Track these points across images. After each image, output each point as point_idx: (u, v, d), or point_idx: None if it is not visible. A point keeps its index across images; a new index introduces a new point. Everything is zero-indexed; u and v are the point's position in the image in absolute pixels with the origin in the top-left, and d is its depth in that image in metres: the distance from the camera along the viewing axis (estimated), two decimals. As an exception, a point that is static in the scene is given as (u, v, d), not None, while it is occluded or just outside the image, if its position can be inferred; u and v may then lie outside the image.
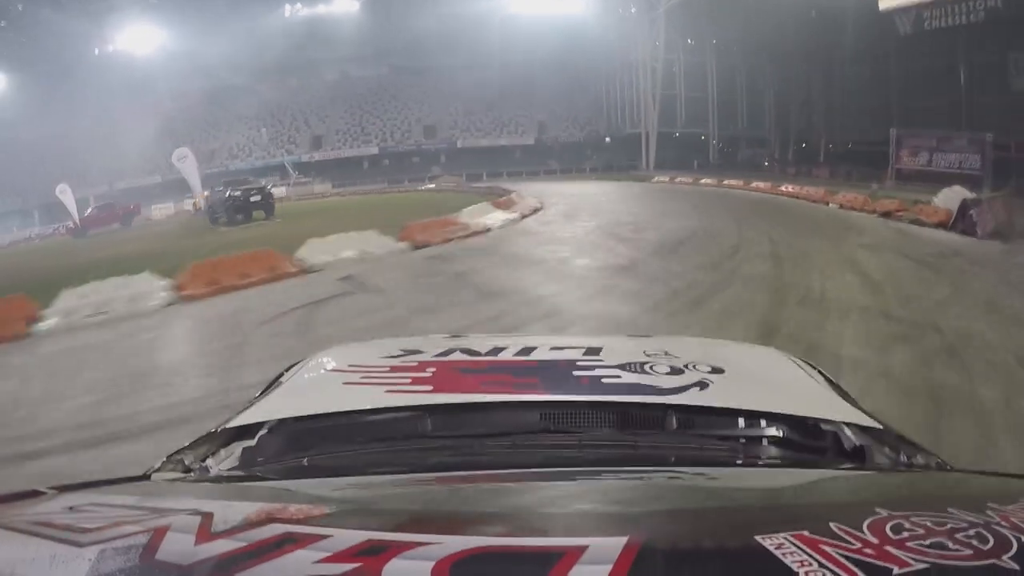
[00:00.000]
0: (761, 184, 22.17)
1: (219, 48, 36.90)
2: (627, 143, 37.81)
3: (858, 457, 0.92)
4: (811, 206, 17.18)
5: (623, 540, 0.46)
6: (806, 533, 0.47)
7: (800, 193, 19.26)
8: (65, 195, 24.84)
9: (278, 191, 31.15)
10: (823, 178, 24.54)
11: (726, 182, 23.82)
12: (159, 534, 0.51)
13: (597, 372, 1.08)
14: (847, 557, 0.44)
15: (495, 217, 14.40)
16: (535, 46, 39.33)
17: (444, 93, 42.07)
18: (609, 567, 0.43)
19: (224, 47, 36.90)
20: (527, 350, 1.23)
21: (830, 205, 16.73)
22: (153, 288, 8.29)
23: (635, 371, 1.07)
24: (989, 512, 0.53)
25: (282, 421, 0.99)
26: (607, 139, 40.69)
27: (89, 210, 24.57)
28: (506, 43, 40.60)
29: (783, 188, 20.61)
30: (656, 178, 28.63)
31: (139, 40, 37.54)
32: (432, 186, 31.51)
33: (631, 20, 35.50)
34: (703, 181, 25.27)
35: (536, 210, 16.40)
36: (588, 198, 20.35)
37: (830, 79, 29.76)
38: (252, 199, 18.46)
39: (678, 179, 27.03)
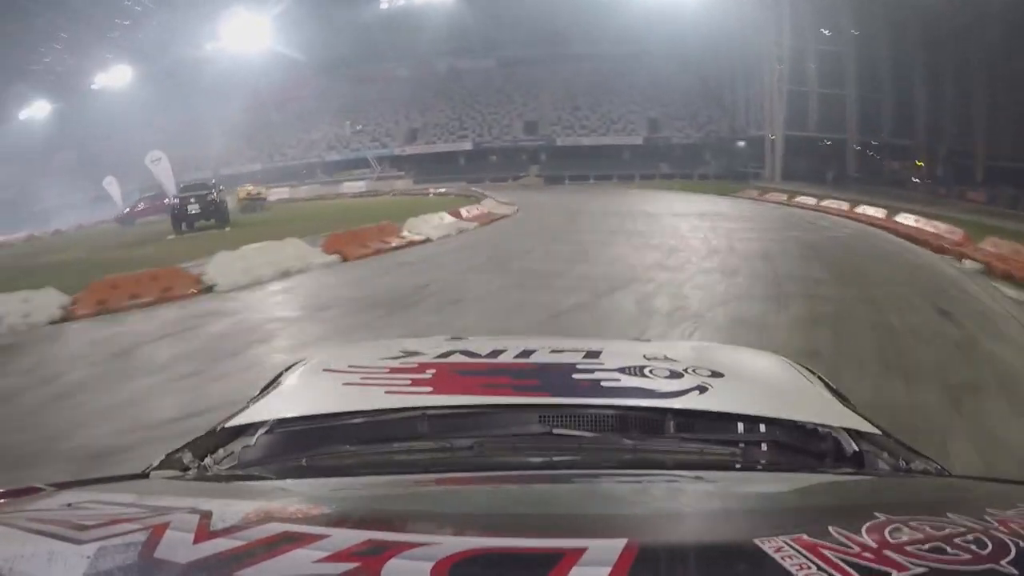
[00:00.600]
0: (909, 221, 13.12)
1: (320, 40, 37.00)
2: (752, 147, 32.80)
3: (857, 462, 0.92)
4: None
5: (622, 542, 0.46)
6: (805, 537, 0.48)
7: (917, 233, 11.82)
8: (111, 186, 26.34)
9: (356, 185, 32.87)
10: (978, 204, 19.36)
11: (861, 210, 15.87)
12: (158, 532, 0.50)
13: (597, 375, 1.08)
14: (846, 561, 0.45)
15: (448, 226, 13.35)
16: (649, 34, 35.26)
17: (549, 87, 39.23)
18: (608, 569, 0.43)
19: (325, 39, 37.09)
20: (527, 353, 1.24)
21: (964, 263, 8.96)
22: (50, 304, 7.42)
23: (635, 375, 1.07)
24: (987, 517, 0.53)
25: (281, 421, 0.98)
26: (731, 142, 35.14)
27: (137, 201, 25.04)
28: (620, 32, 35.66)
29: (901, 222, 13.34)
30: (772, 193, 22.25)
31: (245, 35, 38.53)
32: (443, 189, 28.21)
33: (754, 3, 29.58)
34: (828, 204, 17.81)
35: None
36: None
37: (996, 76, 22.49)
38: (190, 209, 16.83)
39: (799, 197, 20.01)
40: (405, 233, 12.13)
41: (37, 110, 42.08)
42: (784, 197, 21.13)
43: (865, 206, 16.09)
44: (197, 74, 38.55)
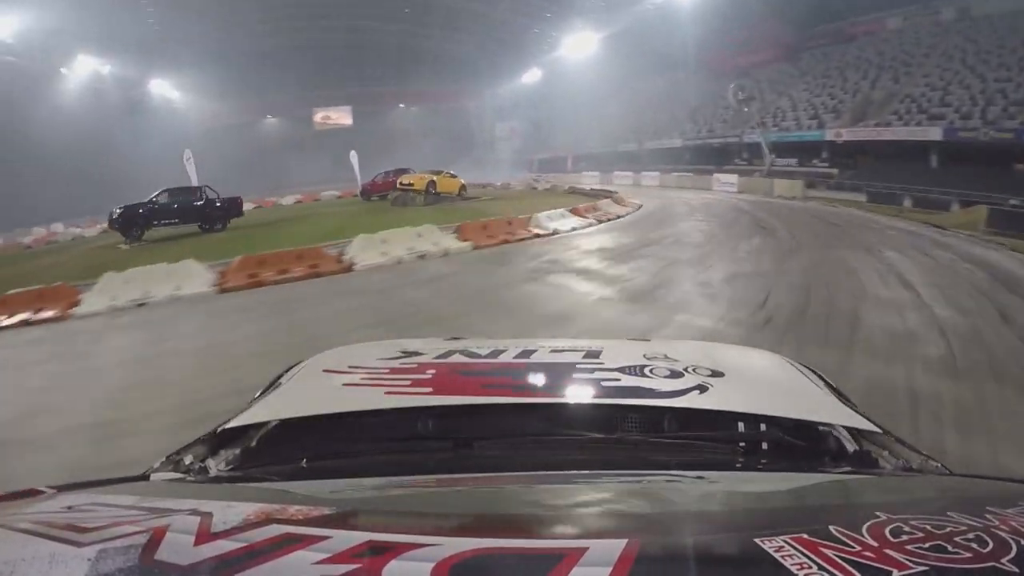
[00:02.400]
0: None
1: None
2: None
3: (858, 461, 0.92)
4: None
5: (623, 542, 0.47)
6: (806, 536, 0.48)
7: None
8: (353, 160, 26.85)
9: (728, 178, 21.73)
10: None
11: None
12: (159, 534, 0.51)
13: (597, 375, 1.07)
14: (847, 560, 0.45)
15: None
16: None
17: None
18: (609, 569, 0.43)
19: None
20: (527, 353, 1.23)
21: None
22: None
23: (635, 374, 1.07)
24: (988, 516, 0.53)
25: (282, 422, 0.98)
26: None
27: (374, 176, 24.58)
28: None
29: None
30: None
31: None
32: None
33: None
34: None
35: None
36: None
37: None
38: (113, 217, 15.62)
39: None
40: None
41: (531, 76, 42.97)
42: None
43: None
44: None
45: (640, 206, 17.32)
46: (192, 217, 16.27)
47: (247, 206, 18.71)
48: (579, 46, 36.69)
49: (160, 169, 29.34)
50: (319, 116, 43.99)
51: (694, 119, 31.48)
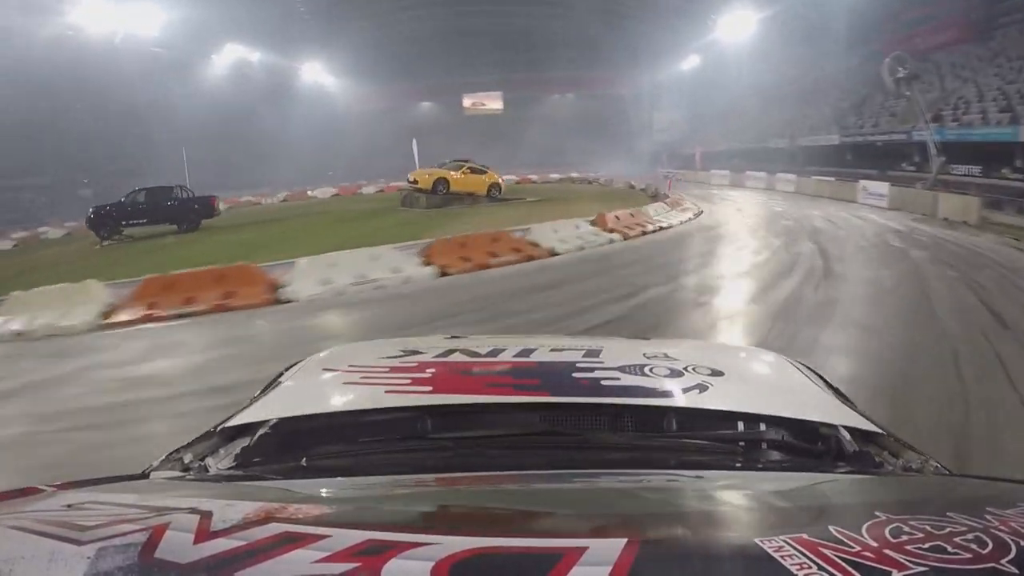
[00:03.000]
0: None
1: None
2: None
3: (857, 461, 0.91)
4: None
5: (622, 542, 0.47)
6: (805, 536, 0.48)
7: None
8: (413, 149, 26.16)
9: (877, 188, 15.56)
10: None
11: None
12: (158, 532, 0.51)
13: (597, 374, 1.07)
14: (846, 560, 0.45)
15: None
16: None
17: None
18: (608, 569, 0.44)
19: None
20: (527, 352, 1.23)
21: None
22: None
23: (635, 373, 1.07)
24: (988, 517, 0.53)
25: (282, 420, 0.99)
26: None
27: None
28: None
29: None
30: None
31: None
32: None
33: None
34: None
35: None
36: None
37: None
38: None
39: None
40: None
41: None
42: None
43: None
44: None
45: (696, 215, 14.03)
46: (161, 217, 16.13)
47: (369, 189, 17.98)
48: (737, 28, 32.75)
49: (308, 150, 31.06)
50: (469, 101, 43.62)
51: (859, 111, 25.71)
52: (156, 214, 16.14)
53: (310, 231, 13.90)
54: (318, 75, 40.81)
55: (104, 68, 26.83)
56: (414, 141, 25.17)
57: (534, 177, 30.01)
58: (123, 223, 15.96)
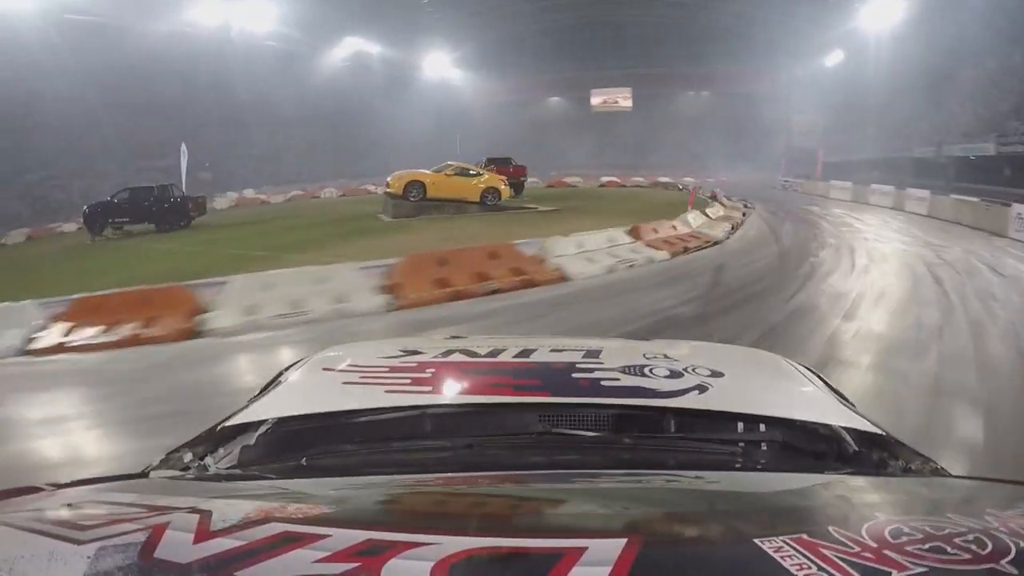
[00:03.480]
0: None
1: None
2: None
3: (857, 462, 0.92)
4: None
5: (622, 542, 0.47)
6: (805, 537, 0.48)
7: None
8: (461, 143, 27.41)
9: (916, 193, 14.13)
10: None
11: None
12: (158, 532, 0.51)
13: (596, 375, 1.08)
14: (846, 561, 0.45)
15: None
16: None
17: None
18: (608, 569, 0.44)
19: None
20: (527, 352, 1.23)
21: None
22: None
23: (635, 374, 1.07)
24: (988, 518, 0.53)
25: (281, 420, 0.99)
26: None
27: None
28: None
29: None
30: None
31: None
32: None
33: None
34: None
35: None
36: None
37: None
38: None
39: None
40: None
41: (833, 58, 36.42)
42: None
43: None
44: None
45: (736, 225, 11.86)
46: (140, 216, 16.66)
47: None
48: (882, 14, 28.67)
49: (429, 142, 31.29)
50: (597, 99, 42.32)
51: (1020, 115, 20.13)
52: (138, 213, 16.67)
53: (268, 234, 13.31)
54: (442, 68, 40.65)
55: (219, 61, 28.05)
56: (457, 138, 24.55)
57: (617, 179, 28.41)
58: (110, 221, 16.63)
